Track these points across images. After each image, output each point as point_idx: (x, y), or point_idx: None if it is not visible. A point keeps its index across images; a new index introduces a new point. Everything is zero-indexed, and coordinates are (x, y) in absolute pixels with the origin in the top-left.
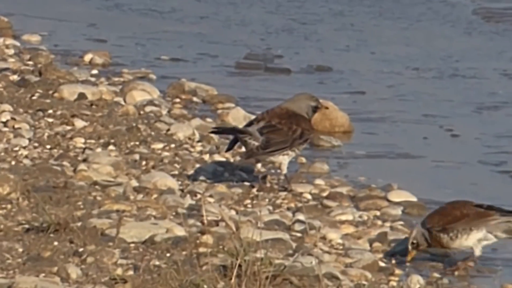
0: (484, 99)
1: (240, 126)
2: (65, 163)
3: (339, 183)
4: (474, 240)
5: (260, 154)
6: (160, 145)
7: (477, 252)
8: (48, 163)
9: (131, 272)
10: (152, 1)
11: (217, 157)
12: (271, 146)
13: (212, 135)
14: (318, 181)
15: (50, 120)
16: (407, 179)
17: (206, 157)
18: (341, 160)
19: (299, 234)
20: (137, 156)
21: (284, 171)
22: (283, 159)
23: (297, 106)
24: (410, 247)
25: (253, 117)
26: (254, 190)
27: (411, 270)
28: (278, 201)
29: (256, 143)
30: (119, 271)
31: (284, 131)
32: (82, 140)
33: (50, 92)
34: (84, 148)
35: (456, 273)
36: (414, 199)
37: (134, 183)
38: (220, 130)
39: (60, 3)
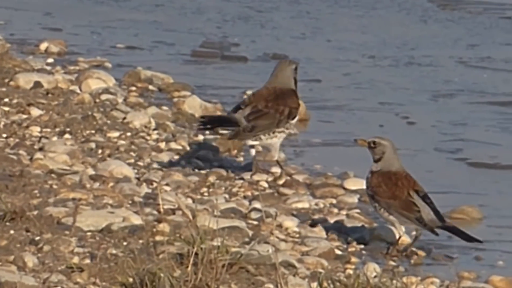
0: (440, 86)
1: (218, 112)
2: (21, 151)
3: (295, 171)
4: (393, 221)
5: (245, 136)
6: (116, 134)
7: (399, 232)
8: (4, 151)
9: (87, 261)
10: None
11: (174, 145)
12: (257, 130)
13: (168, 123)
14: (275, 169)
15: (6, 108)
16: (364, 167)
17: (162, 145)
18: (297, 148)
19: (255, 222)
20: (93, 145)
21: (275, 157)
22: (274, 143)
23: (283, 81)
24: (370, 140)
25: (209, 105)
26: (250, 175)
27: (368, 258)
28: (235, 190)
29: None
30: (75, 259)
31: (271, 114)
32: (38, 128)
33: (6, 80)
34: (40, 137)
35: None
36: None
37: (90, 171)
38: (206, 120)
39: None
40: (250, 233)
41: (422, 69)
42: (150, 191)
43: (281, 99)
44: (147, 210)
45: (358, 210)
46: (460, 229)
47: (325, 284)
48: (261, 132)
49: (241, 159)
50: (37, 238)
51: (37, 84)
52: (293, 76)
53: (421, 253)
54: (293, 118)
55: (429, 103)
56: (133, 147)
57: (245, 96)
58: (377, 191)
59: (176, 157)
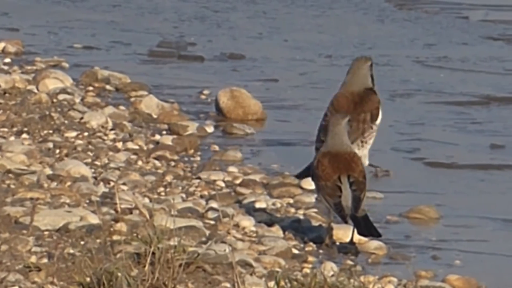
0: (397, 86)
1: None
2: None
3: (252, 170)
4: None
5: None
6: (74, 133)
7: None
8: None
9: (45, 260)
10: None
11: (131, 145)
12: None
13: (125, 122)
14: (232, 169)
15: None
16: None
17: (120, 145)
18: (254, 147)
19: (212, 222)
20: (50, 144)
21: (366, 163)
22: (367, 151)
23: (359, 81)
24: None
25: (166, 105)
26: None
27: (325, 257)
28: (191, 189)
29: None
30: (33, 259)
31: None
32: None
33: None
34: None
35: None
36: None
37: (48, 171)
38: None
39: None
40: (207, 232)
41: (379, 69)
42: (107, 190)
43: (360, 105)
44: (105, 209)
45: (315, 210)
46: (362, 222)
47: (282, 283)
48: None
49: (198, 158)
50: None
51: None
52: (370, 73)
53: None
54: (376, 119)
55: (386, 102)
56: (90, 146)
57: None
58: (314, 173)
59: (133, 156)
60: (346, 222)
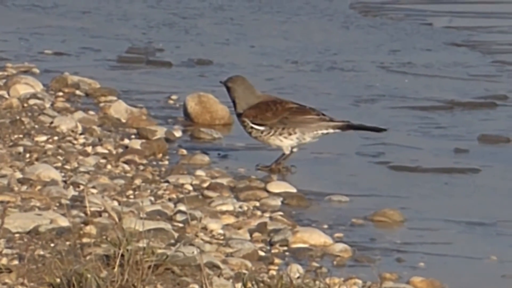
0: (362, 92)
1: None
2: None
3: (219, 174)
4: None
5: None
6: (44, 138)
7: (286, 151)
8: None
9: (16, 262)
10: None
11: (100, 149)
12: None
13: (95, 127)
14: (199, 172)
15: None
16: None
17: (89, 149)
18: (221, 151)
19: (180, 225)
20: (21, 149)
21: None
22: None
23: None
24: (227, 79)
25: (135, 110)
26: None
27: (291, 260)
28: (160, 192)
29: None
30: (4, 260)
31: None
32: None
33: None
34: None
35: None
36: (293, 190)
37: (18, 175)
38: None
39: None
40: (176, 235)
41: (344, 74)
42: (77, 194)
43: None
44: (74, 212)
45: (281, 213)
46: None
47: (249, 284)
48: None
49: (166, 162)
50: None
51: None
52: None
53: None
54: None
55: (351, 107)
56: (60, 151)
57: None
58: (257, 120)
59: (103, 160)
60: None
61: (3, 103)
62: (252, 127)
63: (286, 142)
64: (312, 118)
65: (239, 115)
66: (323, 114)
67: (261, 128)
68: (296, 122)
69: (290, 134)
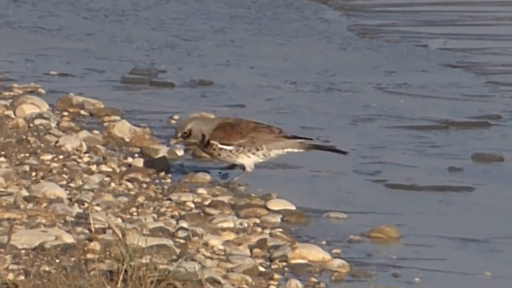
0: (359, 111)
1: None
2: None
3: (220, 192)
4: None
5: None
6: (49, 156)
7: (248, 168)
8: None
9: (22, 277)
10: (40, 19)
11: (104, 168)
12: None
13: (99, 146)
14: (201, 190)
15: None
16: (286, 189)
17: (93, 167)
18: (222, 170)
19: (182, 241)
20: (27, 167)
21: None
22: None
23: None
24: (180, 134)
25: (138, 129)
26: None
27: (290, 275)
28: (163, 210)
29: None
30: (10, 276)
31: None
32: None
33: None
34: None
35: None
36: (292, 207)
37: (25, 192)
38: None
39: None
40: (178, 251)
41: (342, 95)
42: (81, 211)
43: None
44: (79, 229)
45: (280, 229)
46: None
47: None
48: None
49: (169, 180)
50: None
51: None
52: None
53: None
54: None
55: (349, 127)
56: (65, 169)
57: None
58: (225, 141)
59: (107, 178)
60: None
61: (10, 123)
62: (221, 148)
63: (254, 158)
64: (277, 136)
65: (206, 144)
66: (284, 132)
67: (230, 148)
68: (264, 140)
69: (257, 150)
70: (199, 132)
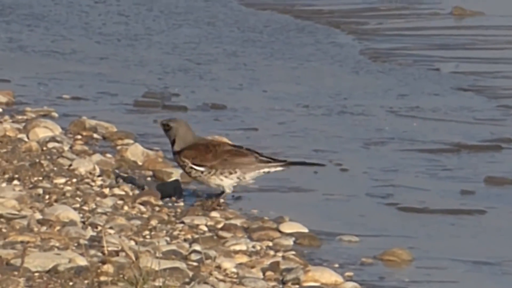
0: (372, 135)
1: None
2: None
3: (233, 215)
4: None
5: None
6: (63, 180)
7: (227, 189)
8: None
9: None
10: (53, 43)
11: (117, 191)
12: None
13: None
14: (214, 214)
15: None
16: (299, 212)
17: (106, 190)
18: (235, 193)
19: (195, 264)
20: (40, 190)
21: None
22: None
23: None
24: (165, 122)
25: (151, 153)
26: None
27: None
28: (175, 233)
29: None
30: None
31: None
32: None
33: None
34: None
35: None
36: (305, 230)
37: (38, 215)
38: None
39: None
40: (191, 273)
41: (354, 118)
42: (95, 234)
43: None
44: (92, 252)
45: (293, 252)
46: None
47: None
48: None
49: (182, 203)
50: None
51: None
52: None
53: (221, 201)
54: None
55: (361, 150)
56: (78, 192)
57: None
58: (197, 161)
59: (120, 202)
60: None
61: (23, 146)
62: (191, 167)
63: (227, 181)
64: (250, 159)
65: (175, 153)
66: (261, 155)
67: (201, 169)
68: (236, 163)
69: (230, 173)
70: (174, 136)
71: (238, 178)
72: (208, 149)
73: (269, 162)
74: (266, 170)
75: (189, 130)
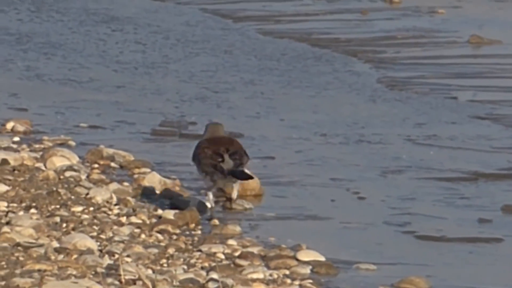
0: (389, 163)
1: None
2: None
3: (250, 243)
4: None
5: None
6: (80, 208)
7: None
8: None
9: None
10: (71, 71)
11: (134, 219)
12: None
13: (129, 198)
14: (231, 242)
15: None
16: (316, 240)
17: (124, 219)
18: (252, 222)
19: None
20: (57, 219)
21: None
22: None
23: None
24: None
25: (168, 181)
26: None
27: None
28: (193, 261)
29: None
30: None
31: None
32: (5, 203)
33: None
34: (7, 212)
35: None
36: (322, 258)
37: (55, 244)
38: None
39: None
40: None
41: (371, 147)
42: (112, 262)
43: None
44: (109, 280)
45: (310, 281)
46: (237, 172)
47: None
48: None
49: (199, 232)
50: None
51: (4, 162)
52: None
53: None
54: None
55: (379, 178)
56: (95, 221)
57: None
58: (195, 152)
59: (137, 230)
60: (225, 177)
61: (40, 175)
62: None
63: (205, 181)
64: (211, 162)
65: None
66: (225, 161)
67: (191, 163)
68: (204, 165)
69: (203, 173)
70: (205, 132)
71: (210, 181)
72: (200, 147)
73: (219, 169)
74: (221, 175)
75: (216, 131)
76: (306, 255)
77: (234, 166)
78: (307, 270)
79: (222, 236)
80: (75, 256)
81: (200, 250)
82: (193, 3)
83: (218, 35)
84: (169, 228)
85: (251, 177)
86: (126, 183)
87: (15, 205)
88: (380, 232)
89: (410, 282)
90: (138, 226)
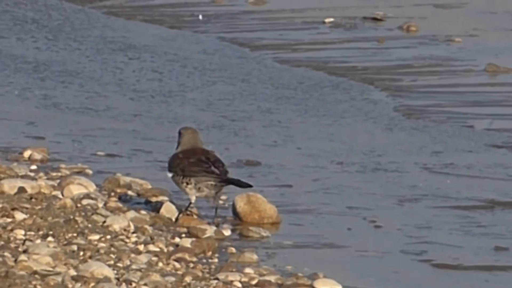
0: (406, 191)
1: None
2: (6, 254)
3: (267, 271)
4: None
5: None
6: (97, 236)
7: (192, 200)
8: None
9: None
10: (88, 100)
11: (152, 247)
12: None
13: (146, 226)
14: (248, 270)
15: None
16: (333, 268)
17: (141, 247)
18: (269, 250)
19: None
20: (75, 247)
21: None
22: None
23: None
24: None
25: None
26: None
27: None
28: None
29: None
30: None
31: None
32: (22, 232)
33: None
34: (25, 240)
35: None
36: (339, 287)
37: (72, 272)
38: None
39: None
40: None
41: (388, 175)
42: None
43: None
44: None
45: None
46: (235, 179)
47: None
48: None
49: (216, 260)
50: None
51: (21, 190)
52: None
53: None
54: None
55: (395, 207)
56: (113, 249)
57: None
58: (173, 163)
59: (154, 258)
60: (223, 183)
61: (57, 203)
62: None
63: (189, 191)
64: (199, 169)
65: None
66: (213, 167)
67: (170, 174)
68: (191, 172)
69: (188, 183)
70: (181, 139)
71: (195, 188)
72: (178, 157)
73: (213, 173)
74: (212, 182)
75: (193, 139)
76: (323, 284)
77: (221, 174)
78: None
79: (239, 264)
80: (92, 284)
81: (217, 278)
82: (210, 31)
83: (235, 63)
84: (186, 256)
85: (250, 185)
86: (143, 211)
87: (32, 233)
88: (397, 260)
89: None
90: (155, 254)
